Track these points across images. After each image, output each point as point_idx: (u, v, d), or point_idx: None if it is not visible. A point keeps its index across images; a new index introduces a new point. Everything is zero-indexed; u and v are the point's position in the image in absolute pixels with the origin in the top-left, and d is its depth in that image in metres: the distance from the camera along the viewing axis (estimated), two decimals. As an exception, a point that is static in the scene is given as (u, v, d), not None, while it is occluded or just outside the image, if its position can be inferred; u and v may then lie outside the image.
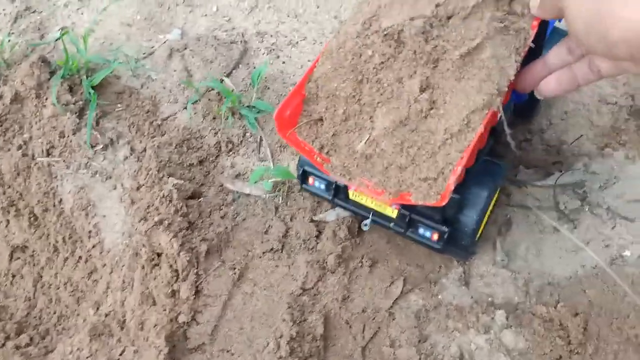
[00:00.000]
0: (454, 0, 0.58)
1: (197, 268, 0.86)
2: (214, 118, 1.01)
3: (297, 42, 1.08)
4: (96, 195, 0.97)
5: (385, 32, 0.58)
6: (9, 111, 1.05)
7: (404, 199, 0.62)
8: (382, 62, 0.60)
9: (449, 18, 0.58)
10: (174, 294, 0.85)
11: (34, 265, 1.04)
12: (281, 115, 0.64)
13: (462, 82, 0.58)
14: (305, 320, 0.81)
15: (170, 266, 0.86)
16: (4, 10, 1.21)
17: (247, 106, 1.01)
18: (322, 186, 0.75)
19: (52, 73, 1.06)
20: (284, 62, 1.06)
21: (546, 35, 0.66)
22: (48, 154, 1.01)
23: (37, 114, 1.03)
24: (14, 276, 1.06)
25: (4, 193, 1.03)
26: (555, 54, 0.61)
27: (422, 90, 0.59)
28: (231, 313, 0.83)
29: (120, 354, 0.84)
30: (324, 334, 0.80)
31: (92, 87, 1.04)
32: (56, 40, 1.13)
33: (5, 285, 1.05)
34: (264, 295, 0.84)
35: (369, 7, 0.62)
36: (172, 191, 0.90)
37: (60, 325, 0.99)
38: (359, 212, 0.75)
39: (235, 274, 0.86)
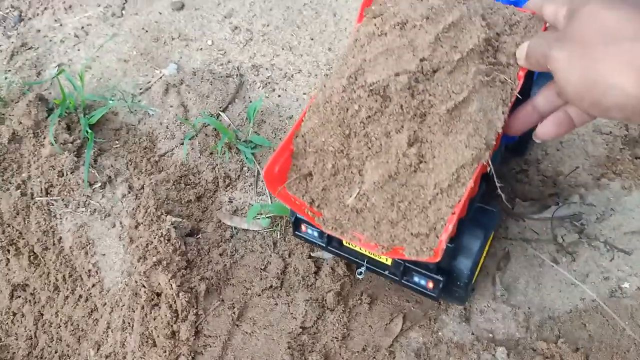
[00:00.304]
0: (439, 54, 0.57)
1: (196, 308, 0.86)
2: (211, 153, 1.01)
3: (293, 75, 1.08)
4: (95, 233, 0.98)
5: (371, 88, 0.58)
6: (7, 151, 1.05)
7: (397, 254, 0.61)
8: (369, 117, 0.59)
9: (434, 72, 0.57)
10: (173, 334, 0.85)
11: (34, 303, 1.04)
12: (270, 172, 0.64)
13: (450, 137, 0.58)
14: (305, 361, 0.81)
15: (170, 306, 0.86)
16: (0, 46, 1.22)
17: (244, 141, 1.01)
18: (315, 233, 0.75)
19: (49, 111, 1.07)
20: (279, 95, 1.07)
21: (533, 80, 0.66)
22: (47, 193, 1.02)
23: (35, 153, 1.04)
24: (14, 314, 1.06)
25: (4, 232, 1.03)
26: (544, 98, 0.59)
27: (410, 144, 0.58)
28: (231, 354, 0.83)
29: (122, 399, 0.85)
30: (324, 375, 0.80)
31: (89, 125, 1.04)
32: (53, 78, 1.13)
33: (6, 323, 1.06)
34: (263, 334, 0.84)
35: (353, 60, 0.61)
36: (171, 230, 0.90)
37: (61, 365, 0.99)
38: (354, 260, 0.75)
39: (234, 313, 0.86)
